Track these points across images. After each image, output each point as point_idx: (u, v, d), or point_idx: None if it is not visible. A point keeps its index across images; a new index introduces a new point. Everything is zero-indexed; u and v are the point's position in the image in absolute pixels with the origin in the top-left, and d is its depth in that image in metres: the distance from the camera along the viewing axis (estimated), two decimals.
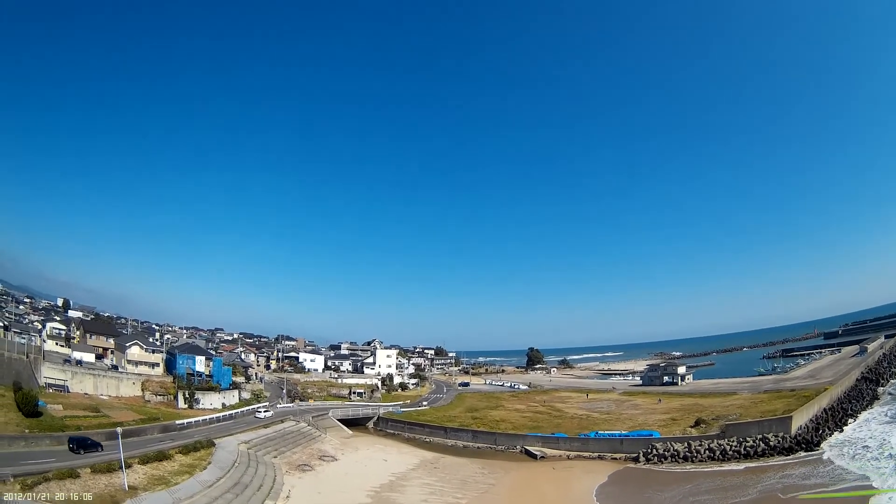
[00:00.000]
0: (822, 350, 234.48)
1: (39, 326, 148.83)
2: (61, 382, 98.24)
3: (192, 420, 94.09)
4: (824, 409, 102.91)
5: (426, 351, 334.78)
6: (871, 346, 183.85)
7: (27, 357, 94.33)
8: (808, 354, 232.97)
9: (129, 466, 56.90)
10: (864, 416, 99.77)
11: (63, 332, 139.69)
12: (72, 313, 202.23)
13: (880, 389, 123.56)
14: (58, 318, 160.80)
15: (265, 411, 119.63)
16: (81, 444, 63.36)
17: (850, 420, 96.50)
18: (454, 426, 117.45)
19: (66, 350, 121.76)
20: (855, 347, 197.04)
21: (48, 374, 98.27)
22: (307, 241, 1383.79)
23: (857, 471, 68.32)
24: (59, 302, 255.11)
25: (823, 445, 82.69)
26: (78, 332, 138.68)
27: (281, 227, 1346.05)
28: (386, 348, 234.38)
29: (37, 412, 72.58)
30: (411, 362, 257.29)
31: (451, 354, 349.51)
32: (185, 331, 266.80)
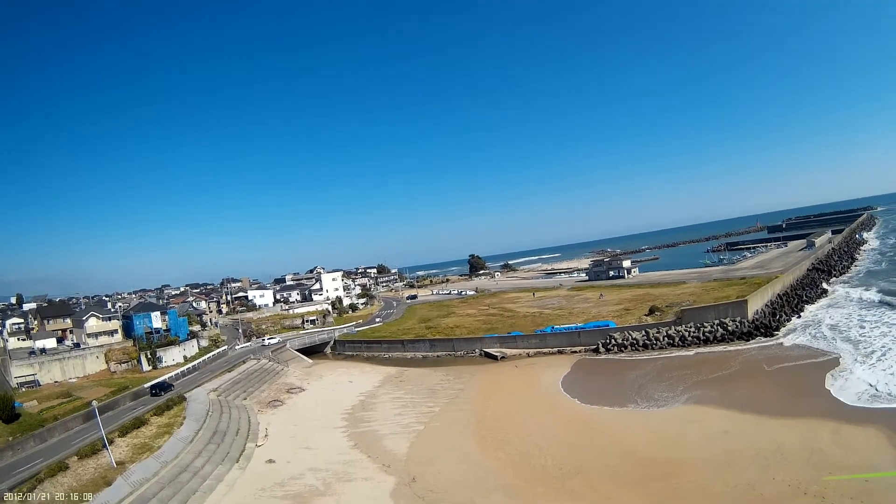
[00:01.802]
0: (769, 244, 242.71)
1: None
2: (31, 377, 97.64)
3: (160, 380, 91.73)
4: (779, 296, 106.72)
5: (369, 270, 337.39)
6: (818, 241, 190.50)
7: None
8: (754, 247, 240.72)
9: (110, 442, 56.79)
10: (821, 302, 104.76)
11: (22, 326, 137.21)
12: (27, 306, 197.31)
13: (832, 279, 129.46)
14: (14, 314, 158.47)
15: (269, 338, 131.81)
16: (161, 388, 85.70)
17: (806, 307, 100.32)
18: (410, 338, 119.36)
19: (28, 343, 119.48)
20: (802, 241, 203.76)
21: (17, 372, 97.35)
22: (236, 185, 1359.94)
23: (827, 349, 72.87)
24: (13, 300, 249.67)
25: (783, 330, 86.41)
26: (36, 322, 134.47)
27: (208, 175, 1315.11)
28: (329, 272, 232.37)
29: (15, 415, 72.12)
30: (357, 283, 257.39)
31: (393, 271, 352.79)
32: (133, 295, 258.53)
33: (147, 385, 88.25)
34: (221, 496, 48.93)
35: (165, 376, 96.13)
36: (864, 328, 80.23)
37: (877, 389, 55.11)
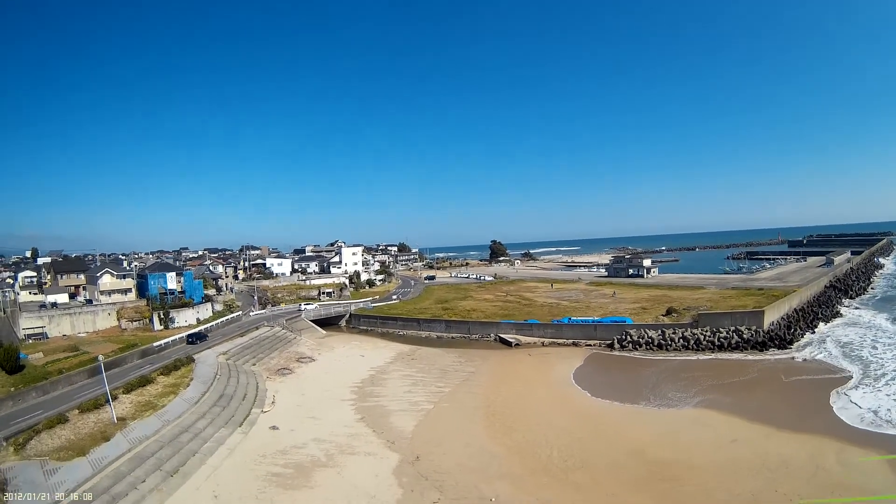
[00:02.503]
0: (788, 257, 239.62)
1: (11, 281, 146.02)
2: (39, 330, 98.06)
3: (170, 339, 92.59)
4: (795, 310, 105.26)
5: (389, 248, 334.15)
6: (837, 259, 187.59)
7: (4, 312, 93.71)
8: (774, 259, 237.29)
9: (114, 398, 56.42)
10: (836, 321, 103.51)
11: (35, 280, 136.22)
12: (41, 260, 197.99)
13: (848, 300, 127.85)
14: (28, 268, 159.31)
15: (306, 304, 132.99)
16: (197, 337, 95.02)
17: (820, 324, 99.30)
18: (426, 318, 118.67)
19: (40, 297, 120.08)
20: (821, 258, 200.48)
21: (26, 324, 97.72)
22: (261, 153, 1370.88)
23: (838, 367, 71.97)
24: (28, 253, 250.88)
25: (796, 344, 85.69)
26: (49, 276, 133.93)
27: (233, 145, 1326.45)
28: (350, 246, 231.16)
29: (20, 366, 72.32)
30: (376, 259, 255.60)
31: (414, 251, 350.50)
32: (151, 255, 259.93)
33: (185, 335, 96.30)
34: (221, 459, 48.37)
35: (175, 336, 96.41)
36: (876, 349, 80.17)
37: (881, 414, 54.60)
